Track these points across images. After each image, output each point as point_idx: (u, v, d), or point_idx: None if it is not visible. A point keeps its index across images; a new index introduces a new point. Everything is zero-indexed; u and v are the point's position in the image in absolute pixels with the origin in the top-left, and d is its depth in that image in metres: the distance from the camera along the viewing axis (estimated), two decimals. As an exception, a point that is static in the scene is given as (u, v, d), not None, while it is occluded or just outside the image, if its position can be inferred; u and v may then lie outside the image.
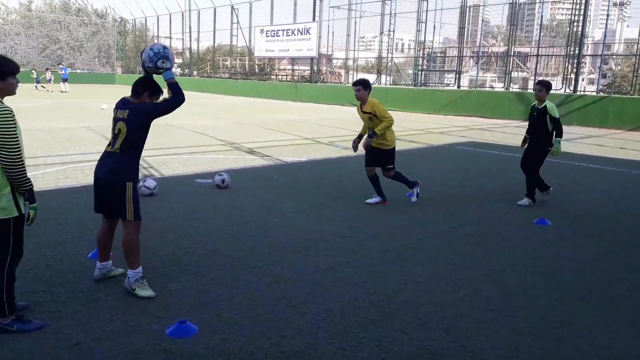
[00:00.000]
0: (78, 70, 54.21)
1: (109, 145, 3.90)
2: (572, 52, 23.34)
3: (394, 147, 6.77)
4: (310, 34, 33.34)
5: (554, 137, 6.87)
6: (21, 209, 3.15)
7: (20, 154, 3.05)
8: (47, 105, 22.03)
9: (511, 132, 17.36)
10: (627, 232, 6.03)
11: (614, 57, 38.90)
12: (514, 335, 3.42)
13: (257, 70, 42.46)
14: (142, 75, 4.06)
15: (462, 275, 4.47)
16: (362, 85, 6.56)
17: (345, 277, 4.32)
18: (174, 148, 11.31)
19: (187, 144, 12.12)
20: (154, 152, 10.56)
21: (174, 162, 9.61)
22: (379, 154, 6.68)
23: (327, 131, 15.94)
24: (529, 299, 4.03)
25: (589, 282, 4.42)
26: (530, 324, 3.59)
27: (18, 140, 3.04)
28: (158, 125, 15.47)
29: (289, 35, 34.85)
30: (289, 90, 33.63)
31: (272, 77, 40.81)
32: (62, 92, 32.81)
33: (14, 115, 3.03)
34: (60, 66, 36.33)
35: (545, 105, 6.90)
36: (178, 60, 53.39)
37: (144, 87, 3.94)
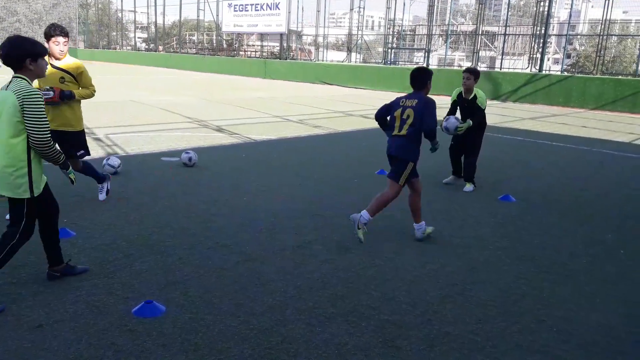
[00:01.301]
0: (37, 45, 52.07)
1: (396, 129, 4.59)
2: (538, 32, 23.69)
3: (83, 130, 5.36)
4: (279, 9, 32.82)
5: (468, 120, 6.40)
6: (34, 192, 3.25)
7: (50, 134, 3.17)
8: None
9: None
10: (588, 208, 6.23)
11: (579, 37, 39.67)
12: (478, 308, 3.51)
13: (225, 46, 41.64)
14: (417, 67, 4.85)
15: (428, 251, 4.54)
16: None
17: (314, 255, 4.34)
18: (139, 125, 11.04)
19: (152, 121, 11.85)
20: (119, 129, 10.28)
21: (139, 139, 9.39)
22: (67, 138, 5.10)
23: (297, 109, 15.82)
24: (493, 273, 4.14)
25: (551, 256, 4.56)
26: (493, 297, 3.69)
27: (48, 122, 3.17)
28: (122, 102, 15.12)
29: (258, 10, 34.22)
30: (258, 67, 33.15)
31: (241, 53, 40.13)
32: None
33: (42, 97, 3.16)
34: None
35: (475, 95, 6.45)
36: (143, 35, 51.94)
37: (428, 77, 4.73)
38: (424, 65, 26.54)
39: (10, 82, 3.18)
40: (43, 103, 3.16)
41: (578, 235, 5.19)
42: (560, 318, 3.44)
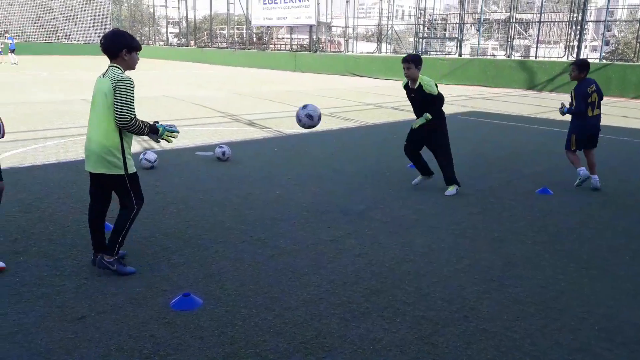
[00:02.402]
0: (74, 42, 53.50)
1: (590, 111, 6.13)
2: (574, 19, 22.94)
3: None
4: (308, 1, 32.72)
5: (425, 113, 5.74)
6: (129, 169, 3.58)
7: (135, 117, 3.51)
8: (43, 78, 21.79)
9: (513, 102, 17.22)
10: (629, 201, 6.03)
11: (617, 23, 38.25)
12: (516, 305, 3.45)
13: (255, 39, 41.84)
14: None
15: (463, 246, 4.48)
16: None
17: (347, 249, 4.34)
18: (172, 120, 11.22)
19: (186, 115, 12.03)
20: (153, 124, 10.47)
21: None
22: None
23: (327, 102, 15.80)
24: (531, 268, 4.05)
25: (590, 251, 4.44)
26: (532, 294, 3.62)
27: (132, 105, 3.50)
28: (155, 97, 15.38)
29: (287, 3, 34.21)
30: (288, 60, 33.20)
31: (271, 46, 40.25)
32: (12, 64, 30.27)
33: (133, 84, 3.51)
34: (7, 35, 33.92)
35: (420, 83, 5.67)
36: (174, 30, 52.63)
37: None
38: (456, 55, 26.07)
39: (107, 70, 3.55)
40: (133, 89, 3.49)
41: (619, 229, 5.03)
42: (602, 316, 3.34)
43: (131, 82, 3.49)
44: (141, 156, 6.86)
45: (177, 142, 8.79)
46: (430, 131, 5.87)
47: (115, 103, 3.42)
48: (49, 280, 3.61)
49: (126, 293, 3.45)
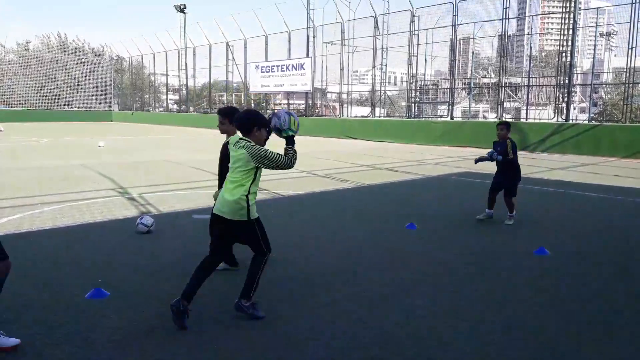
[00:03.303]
0: (75, 109, 54.73)
1: None
2: (562, 82, 23.76)
3: None
4: (304, 69, 33.89)
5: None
6: (250, 216, 4.03)
7: (282, 158, 4.03)
8: (43, 144, 22.12)
9: (506, 162, 17.47)
10: (627, 260, 6.01)
11: (604, 85, 39.58)
12: (519, 369, 3.36)
13: (253, 105, 42.94)
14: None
15: (463, 308, 4.42)
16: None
17: (345, 312, 4.28)
18: (170, 184, 11.32)
19: (184, 179, 12.14)
20: (151, 188, 10.55)
21: (171, 198, 9.60)
22: None
23: (323, 164, 16.01)
24: (532, 331, 3.98)
25: (592, 312, 4.38)
26: (534, 356, 3.54)
27: (276, 154, 4.02)
28: (155, 162, 15.57)
29: (284, 71, 35.40)
30: (284, 124, 33.84)
31: (268, 111, 41.22)
32: None
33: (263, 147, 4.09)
34: None
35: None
36: (174, 97, 54.06)
37: None
38: (448, 118, 26.74)
39: (237, 142, 4.12)
40: (265, 149, 4.05)
41: (619, 289, 4.99)
42: (607, 379, 3.26)
43: (263, 147, 4.11)
44: (138, 220, 6.86)
45: (175, 206, 8.83)
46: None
47: (269, 164, 4.02)
48: (40, 349, 3.52)
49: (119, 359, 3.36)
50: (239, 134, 4.26)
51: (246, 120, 4.16)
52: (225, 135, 5.17)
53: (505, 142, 7.66)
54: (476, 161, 8.02)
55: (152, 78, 53.21)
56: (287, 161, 4.05)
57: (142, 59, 52.83)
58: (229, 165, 4.18)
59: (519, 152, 7.77)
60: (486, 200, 8.01)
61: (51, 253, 5.85)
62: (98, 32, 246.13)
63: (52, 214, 8.01)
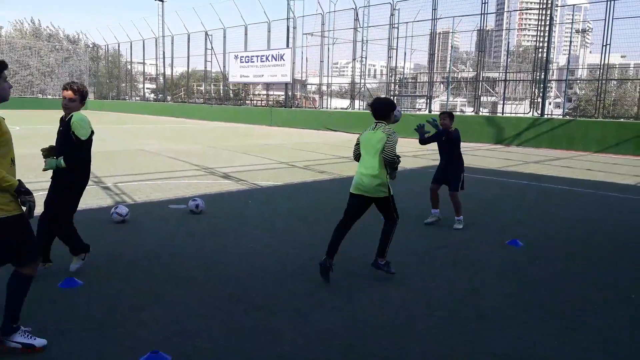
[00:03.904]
0: (49, 97, 53.48)
1: None
2: (538, 77, 24.13)
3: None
4: (284, 60, 33.70)
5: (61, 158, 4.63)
6: (391, 192, 4.86)
7: (398, 156, 4.80)
8: (15, 132, 21.56)
9: (482, 155, 17.72)
10: (597, 252, 6.17)
11: (578, 81, 40.33)
12: (491, 358, 3.44)
13: (231, 95, 42.56)
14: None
15: (437, 297, 4.49)
16: None
17: (322, 302, 4.30)
18: (147, 174, 11.18)
19: (160, 169, 12.00)
20: (127, 177, 10.41)
21: (147, 188, 9.49)
22: None
23: (302, 155, 16.00)
24: (503, 320, 4.07)
25: (562, 302, 4.50)
26: (505, 346, 3.62)
27: (393, 148, 4.75)
28: (130, 151, 15.33)
29: (264, 61, 35.14)
30: (264, 115, 33.76)
31: (247, 102, 40.95)
32: None
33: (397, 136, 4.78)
34: None
35: (71, 117, 4.70)
36: (151, 86, 53.24)
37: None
38: (426, 111, 26.95)
39: (376, 126, 4.84)
40: (397, 139, 4.75)
41: (588, 280, 5.13)
42: (575, 366, 3.36)
43: (396, 134, 4.79)
44: (112, 210, 6.77)
45: (151, 196, 8.73)
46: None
47: (387, 148, 4.67)
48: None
49: (94, 350, 3.33)
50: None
51: (386, 105, 4.94)
52: None
53: (450, 134, 7.27)
54: (422, 137, 7.18)
55: (129, 66, 52.28)
56: (397, 157, 4.74)
57: (118, 47, 51.82)
58: (362, 147, 4.90)
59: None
60: (430, 200, 7.49)
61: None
62: (73, 19, 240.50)
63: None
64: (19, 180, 3.15)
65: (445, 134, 7.11)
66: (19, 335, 3.27)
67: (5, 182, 3.05)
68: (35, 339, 3.32)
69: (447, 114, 7.32)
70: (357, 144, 4.99)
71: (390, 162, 4.70)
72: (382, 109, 4.88)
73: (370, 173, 4.75)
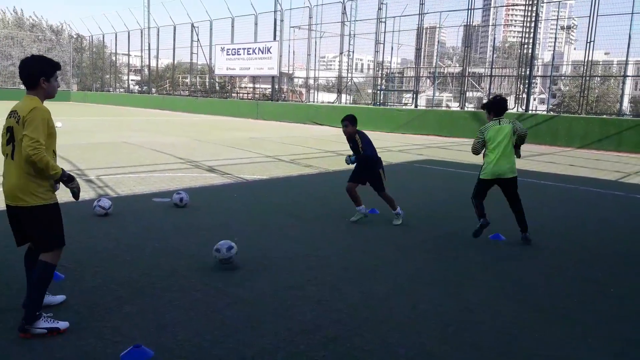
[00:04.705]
0: (31, 87, 52.52)
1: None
2: (523, 73, 24.33)
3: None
4: (271, 52, 33.52)
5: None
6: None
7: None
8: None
9: (467, 150, 17.83)
10: (578, 246, 6.26)
11: (562, 78, 40.75)
12: (475, 351, 3.47)
13: (217, 88, 42.23)
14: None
15: (421, 291, 4.52)
16: None
17: (306, 296, 4.30)
18: (130, 167, 11.06)
19: (144, 162, 11.88)
20: (110, 170, 10.29)
21: (131, 181, 9.39)
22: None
23: (288, 149, 15.96)
24: (487, 313, 4.11)
25: (543, 295, 4.55)
26: (489, 338, 3.66)
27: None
28: (114, 143, 15.16)
29: (250, 54, 34.91)
30: (250, 108, 33.59)
31: (234, 95, 40.68)
32: None
33: None
34: None
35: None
36: (136, 78, 52.61)
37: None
38: (412, 106, 27.06)
39: (502, 120, 6.06)
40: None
41: (569, 274, 5.20)
42: (557, 359, 3.40)
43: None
44: (95, 203, 6.69)
45: (134, 189, 8.64)
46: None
47: (521, 136, 6.13)
48: (-11, 333, 3.40)
49: (75, 345, 3.29)
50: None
51: (500, 105, 6.05)
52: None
53: (354, 139, 6.73)
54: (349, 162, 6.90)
55: (114, 58, 51.58)
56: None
57: (103, 38, 51.07)
58: (494, 140, 5.98)
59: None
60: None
61: (2, 236, 5.63)
62: (57, 8, 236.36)
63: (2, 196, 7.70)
64: (62, 169, 3.41)
65: (362, 156, 6.67)
66: (42, 321, 3.39)
67: (52, 170, 3.32)
68: (58, 322, 3.45)
69: (348, 119, 6.77)
70: (482, 139, 6.04)
71: (525, 135, 6.12)
72: (505, 107, 6.10)
73: (508, 158, 6.02)
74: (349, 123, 6.74)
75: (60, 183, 3.50)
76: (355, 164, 6.86)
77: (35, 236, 3.48)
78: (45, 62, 3.44)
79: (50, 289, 3.76)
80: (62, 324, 3.46)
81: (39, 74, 3.38)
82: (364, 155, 6.70)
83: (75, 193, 3.57)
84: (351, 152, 6.93)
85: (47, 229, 3.46)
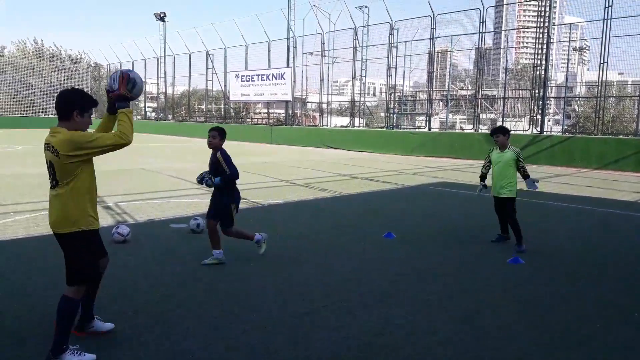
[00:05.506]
0: (51, 115, 53.78)
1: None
2: (536, 95, 24.29)
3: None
4: (284, 78, 33.98)
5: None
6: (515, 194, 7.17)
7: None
8: (18, 152, 21.65)
9: (482, 172, 17.75)
10: (598, 269, 6.16)
11: (577, 99, 40.58)
12: (492, 377, 3.42)
13: (232, 113, 42.79)
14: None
15: (439, 317, 4.48)
16: None
17: (323, 322, 4.29)
18: (147, 193, 11.20)
19: (161, 188, 12.03)
20: (128, 197, 10.43)
21: (148, 207, 9.50)
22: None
23: (302, 173, 16.04)
24: (505, 339, 4.05)
25: (563, 321, 4.48)
26: (507, 365, 3.60)
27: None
28: (131, 170, 15.39)
29: (264, 80, 35.43)
30: (264, 133, 33.91)
31: (248, 120, 41.16)
32: None
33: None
34: None
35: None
36: (152, 104, 53.53)
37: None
38: (426, 129, 27.10)
39: (502, 148, 7.00)
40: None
41: (589, 298, 5.11)
42: (577, 386, 3.34)
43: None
44: (113, 230, 6.78)
45: (152, 215, 8.74)
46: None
47: (520, 164, 6.98)
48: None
49: (92, 373, 3.32)
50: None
51: (505, 131, 7.10)
52: None
53: (216, 156, 5.95)
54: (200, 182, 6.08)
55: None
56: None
57: (120, 66, 52.16)
58: (497, 164, 7.09)
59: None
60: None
61: (23, 263, 5.73)
62: (76, 39, 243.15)
63: (25, 223, 7.85)
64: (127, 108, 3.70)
65: (215, 183, 5.86)
66: (68, 354, 3.39)
67: (127, 130, 3.63)
68: (84, 355, 3.45)
69: (218, 130, 6.05)
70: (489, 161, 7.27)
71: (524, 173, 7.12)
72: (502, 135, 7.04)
73: (501, 183, 7.02)
74: (218, 134, 5.93)
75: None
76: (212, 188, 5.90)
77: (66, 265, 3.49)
78: (82, 96, 3.52)
79: (99, 336, 3.79)
80: (88, 357, 3.45)
81: (74, 106, 3.45)
82: (232, 174, 5.83)
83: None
84: (206, 171, 6.04)
85: (71, 259, 3.46)
